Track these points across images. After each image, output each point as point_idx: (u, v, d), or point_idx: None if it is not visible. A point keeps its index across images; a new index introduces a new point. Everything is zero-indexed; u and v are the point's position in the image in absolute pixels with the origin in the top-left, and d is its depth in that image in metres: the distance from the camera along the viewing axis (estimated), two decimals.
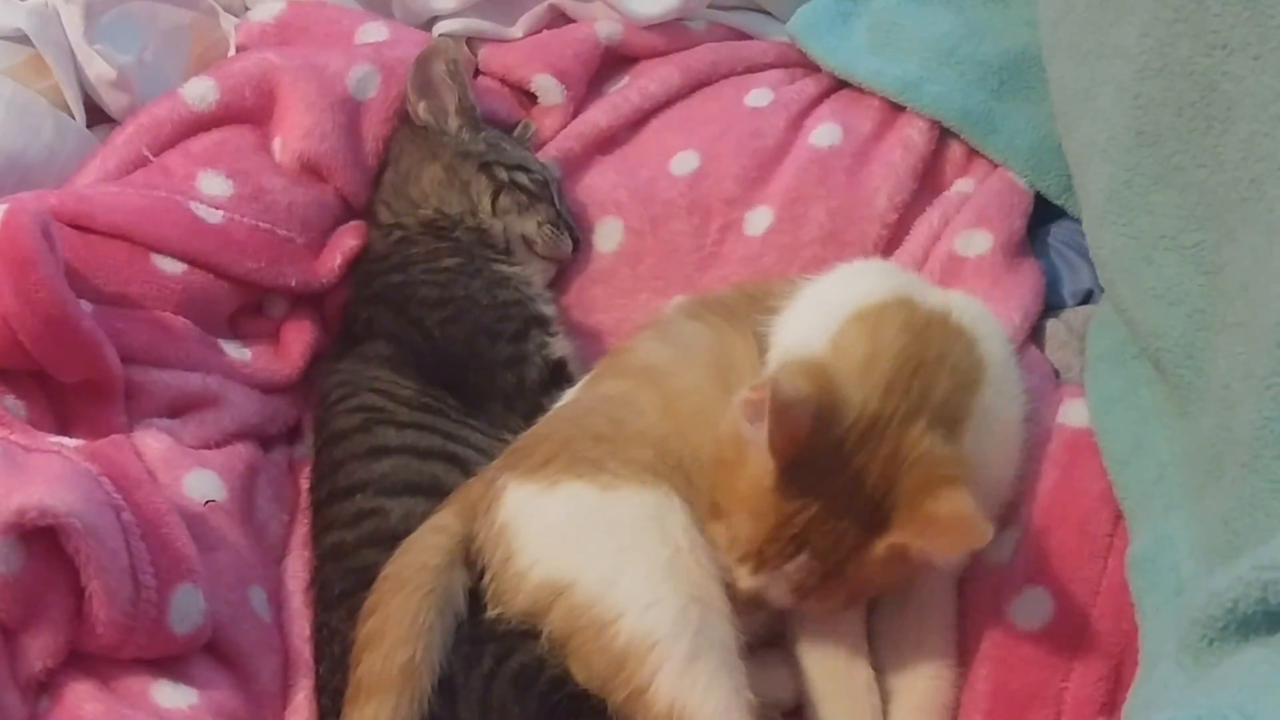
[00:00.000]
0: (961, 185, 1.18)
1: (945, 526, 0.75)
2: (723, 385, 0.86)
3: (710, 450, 0.83)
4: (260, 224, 1.09)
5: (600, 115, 1.24)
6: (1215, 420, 0.82)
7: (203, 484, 0.95)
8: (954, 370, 0.80)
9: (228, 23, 1.28)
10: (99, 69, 1.15)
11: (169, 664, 0.85)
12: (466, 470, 0.96)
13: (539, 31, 1.31)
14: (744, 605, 0.82)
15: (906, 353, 0.79)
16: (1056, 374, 1.05)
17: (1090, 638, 0.85)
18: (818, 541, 0.76)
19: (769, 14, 1.35)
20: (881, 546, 0.76)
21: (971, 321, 0.85)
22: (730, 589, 0.82)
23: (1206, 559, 0.80)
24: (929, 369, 0.79)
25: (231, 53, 1.25)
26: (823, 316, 0.85)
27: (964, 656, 0.88)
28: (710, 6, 1.32)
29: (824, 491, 0.75)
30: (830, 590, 0.79)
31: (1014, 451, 0.89)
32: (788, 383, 0.73)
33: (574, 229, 1.18)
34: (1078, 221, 1.11)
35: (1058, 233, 1.17)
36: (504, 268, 1.12)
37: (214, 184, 1.09)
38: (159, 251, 1.04)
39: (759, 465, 0.76)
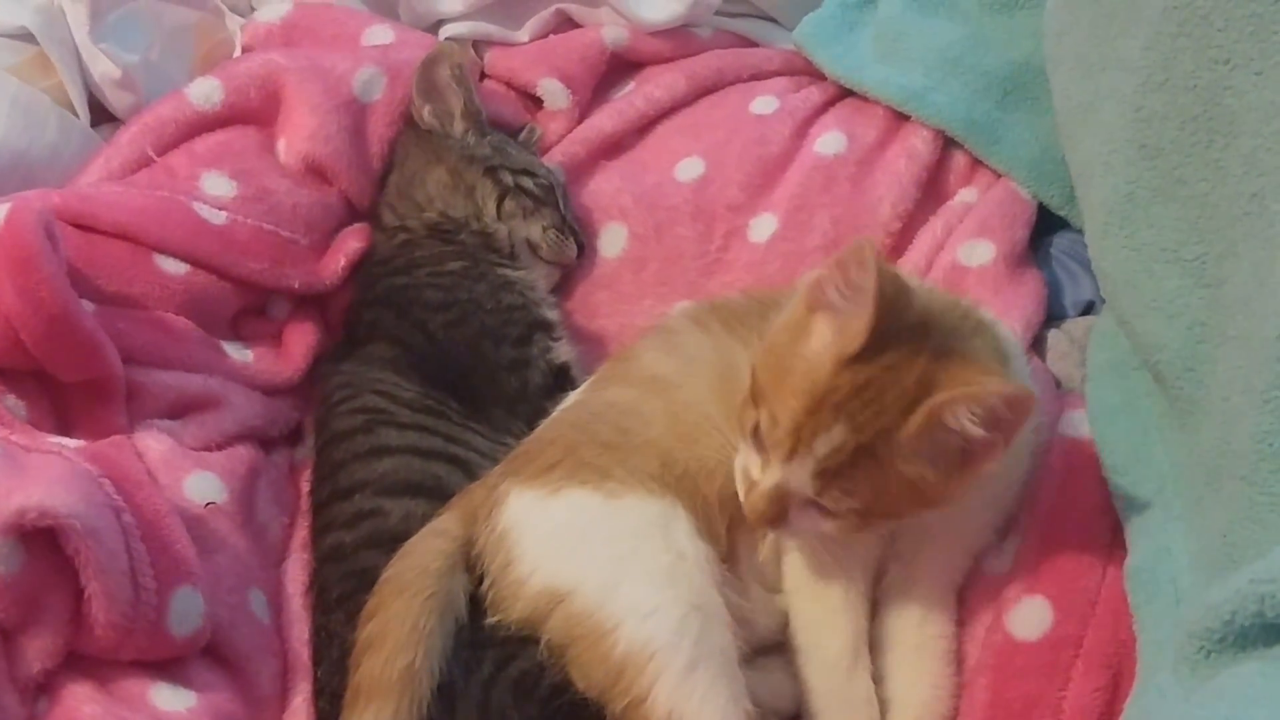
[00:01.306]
0: (965, 195, 1.19)
1: (992, 387, 0.74)
2: (725, 397, 0.86)
3: (715, 457, 0.83)
4: (264, 225, 1.09)
5: (606, 120, 1.24)
6: (1214, 433, 0.82)
7: (203, 486, 0.95)
8: (984, 339, 0.81)
9: (233, 23, 1.28)
10: (104, 68, 1.16)
11: (168, 666, 0.85)
12: (468, 472, 0.96)
13: (545, 36, 1.31)
14: (757, 520, 0.80)
15: (948, 302, 0.80)
16: (1057, 384, 1.05)
17: (1088, 648, 0.85)
18: (856, 411, 0.75)
19: (775, 22, 1.36)
20: (921, 414, 0.74)
21: (990, 321, 0.85)
22: (734, 536, 0.81)
23: (1204, 571, 0.80)
24: (972, 320, 0.79)
25: (237, 53, 1.26)
26: None
27: (962, 666, 0.88)
28: (717, 13, 1.32)
29: (876, 361, 0.74)
30: (855, 480, 0.76)
31: (1024, 458, 0.89)
32: (874, 262, 0.73)
33: (579, 234, 1.18)
34: (1080, 232, 1.12)
35: (1060, 243, 1.17)
36: (508, 272, 1.12)
37: (218, 185, 1.09)
38: (162, 252, 1.04)
39: (832, 334, 0.75)
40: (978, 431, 0.74)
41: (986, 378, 0.75)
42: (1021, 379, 0.86)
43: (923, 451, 0.76)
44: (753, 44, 1.34)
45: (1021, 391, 0.74)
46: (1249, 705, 0.62)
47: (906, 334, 0.74)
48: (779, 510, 0.79)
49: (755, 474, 0.80)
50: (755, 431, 0.79)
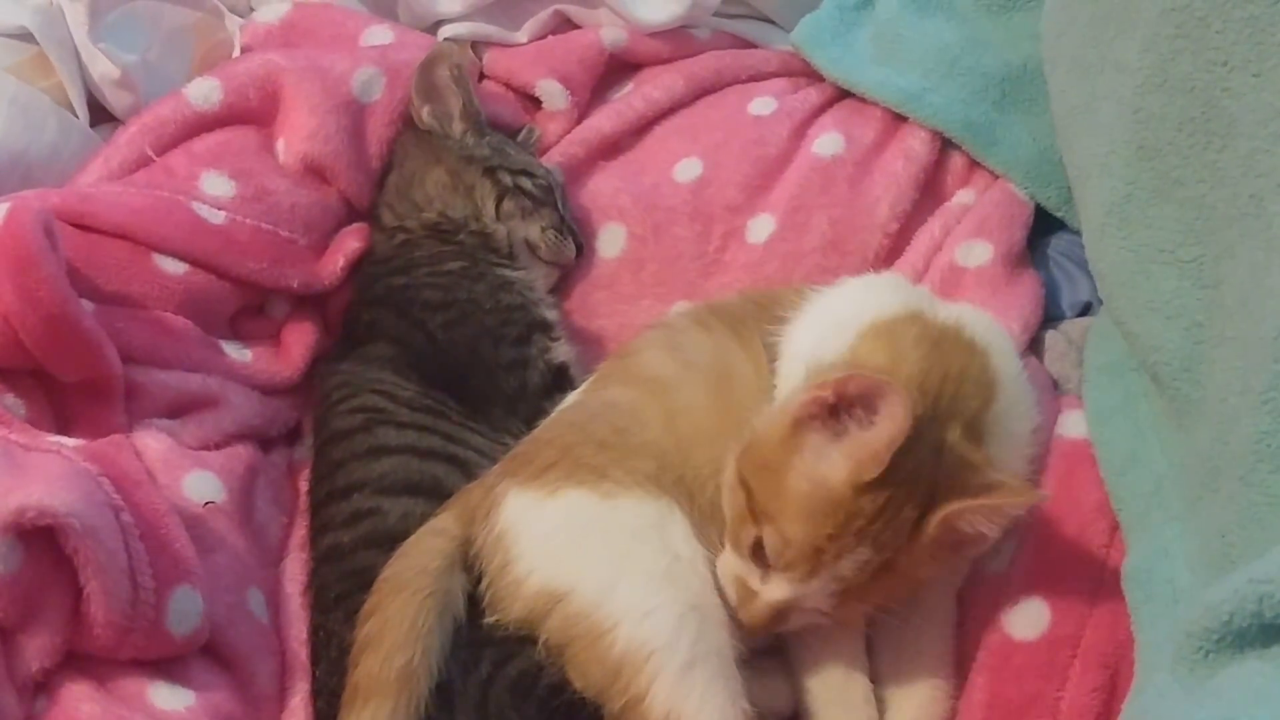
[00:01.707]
0: (963, 196, 1.19)
1: (1001, 490, 0.76)
2: (722, 402, 0.86)
3: (709, 468, 0.83)
4: (263, 225, 1.09)
5: (604, 121, 1.24)
6: (1212, 434, 0.82)
7: (202, 485, 0.95)
8: (973, 384, 0.81)
9: (232, 23, 1.28)
10: (103, 68, 1.15)
11: (166, 665, 0.85)
12: (467, 472, 0.96)
13: (544, 37, 1.31)
14: (755, 629, 0.81)
15: (928, 362, 0.80)
16: (1055, 385, 1.05)
17: (1086, 648, 0.86)
18: (878, 533, 0.75)
19: (773, 23, 1.36)
20: (935, 522, 0.75)
21: (983, 335, 0.85)
22: (736, 615, 0.81)
23: (1202, 571, 0.80)
24: (953, 381, 0.80)
25: (236, 53, 1.26)
26: (835, 328, 0.85)
27: (960, 666, 0.88)
28: (715, 15, 1.32)
29: (893, 481, 0.75)
30: (871, 589, 0.78)
31: (1024, 464, 0.89)
32: (899, 386, 0.73)
33: (577, 234, 1.18)
34: (1077, 234, 1.12)
35: (1057, 244, 1.17)
36: (507, 272, 1.12)
37: (217, 184, 1.09)
38: (161, 251, 1.04)
39: (841, 461, 0.75)
40: (991, 531, 0.77)
41: (995, 481, 0.76)
42: (1018, 393, 0.87)
43: (935, 553, 0.77)
44: (751, 45, 1.34)
45: (1029, 496, 0.78)
46: (1247, 705, 0.62)
47: (910, 443, 0.74)
48: (781, 619, 0.80)
49: (754, 585, 0.80)
50: (757, 548, 0.79)
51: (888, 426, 0.73)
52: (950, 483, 0.76)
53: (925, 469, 0.75)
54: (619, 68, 1.31)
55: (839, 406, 0.75)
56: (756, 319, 0.90)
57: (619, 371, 0.94)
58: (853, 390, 0.74)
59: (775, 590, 0.79)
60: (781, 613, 0.80)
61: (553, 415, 0.96)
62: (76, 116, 1.14)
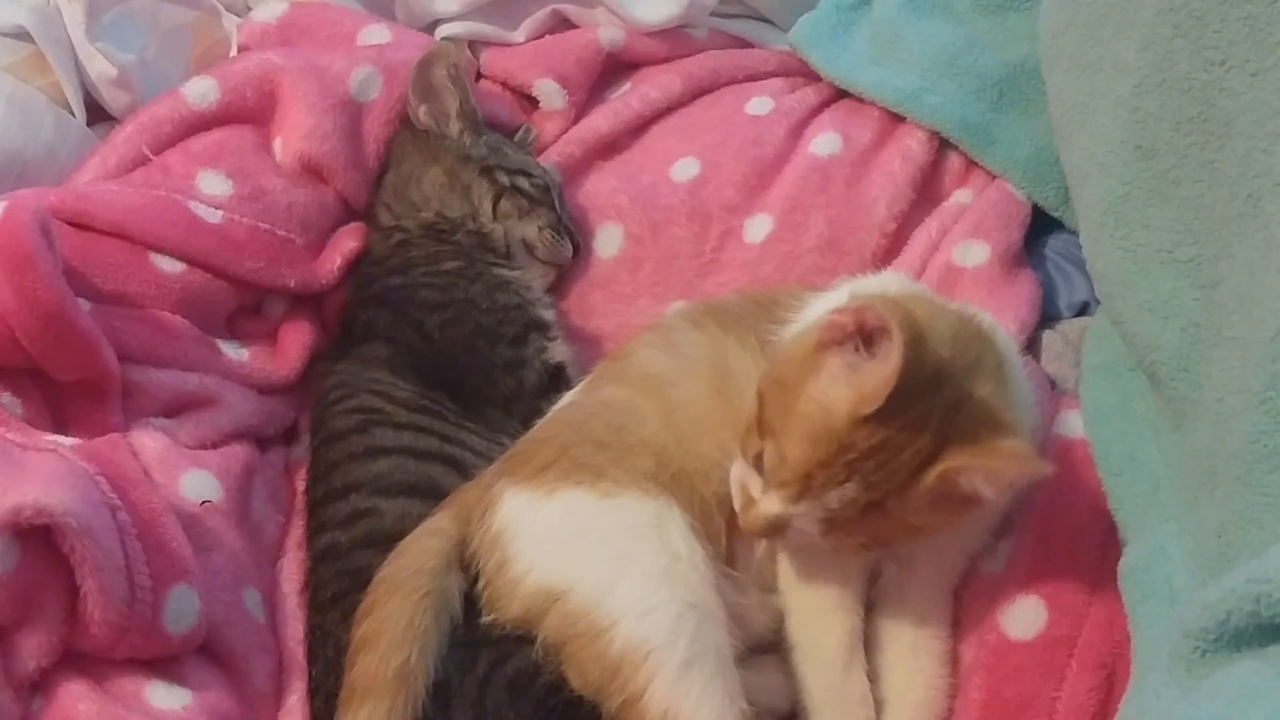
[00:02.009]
0: (960, 196, 1.19)
1: (1003, 453, 0.75)
2: (721, 396, 0.86)
3: (712, 456, 0.83)
4: (260, 224, 1.09)
5: (601, 121, 1.24)
6: (1209, 433, 0.82)
7: (199, 484, 0.95)
8: (987, 367, 0.81)
9: (229, 23, 1.28)
10: (100, 67, 1.15)
11: (163, 665, 0.85)
12: (463, 473, 0.96)
13: (541, 36, 1.31)
14: (751, 535, 0.81)
15: (958, 326, 0.79)
16: (1052, 385, 1.05)
17: (1083, 648, 0.86)
18: (870, 471, 0.75)
19: (771, 23, 1.36)
20: (934, 474, 0.75)
21: (988, 327, 0.85)
22: (732, 526, 0.82)
23: (1199, 571, 0.80)
24: (976, 345, 0.80)
25: (233, 53, 1.26)
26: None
27: (957, 665, 0.88)
28: (712, 14, 1.32)
29: (893, 422, 0.74)
30: (860, 526, 0.78)
31: None
32: (908, 318, 0.72)
33: (574, 234, 1.18)
34: (1074, 234, 1.12)
35: (1054, 244, 1.17)
36: (504, 272, 1.12)
37: (214, 184, 1.09)
38: (158, 250, 1.04)
39: (847, 387, 0.74)
40: (989, 493, 0.76)
41: (1000, 444, 0.75)
42: (1018, 387, 0.86)
43: (931, 504, 0.77)
44: (748, 45, 1.34)
45: (1031, 464, 0.76)
46: (1245, 705, 0.62)
47: (921, 389, 0.74)
48: (777, 531, 0.80)
49: (755, 494, 0.80)
50: (759, 460, 0.79)
51: (884, 367, 0.72)
52: (964, 436, 0.75)
53: (935, 418, 0.74)
54: (616, 67, 1.31)
55: (859, 336, 0.74)
56: (755, 318, 0.91)
57: (614, 372, 0.94)
58: (870, 323, 0.74)
59: (769, 504, 0.79)
60: (775, 526, 0.79)
61: (549, 415, 0.96)
62: (73, 115, 1.14)
